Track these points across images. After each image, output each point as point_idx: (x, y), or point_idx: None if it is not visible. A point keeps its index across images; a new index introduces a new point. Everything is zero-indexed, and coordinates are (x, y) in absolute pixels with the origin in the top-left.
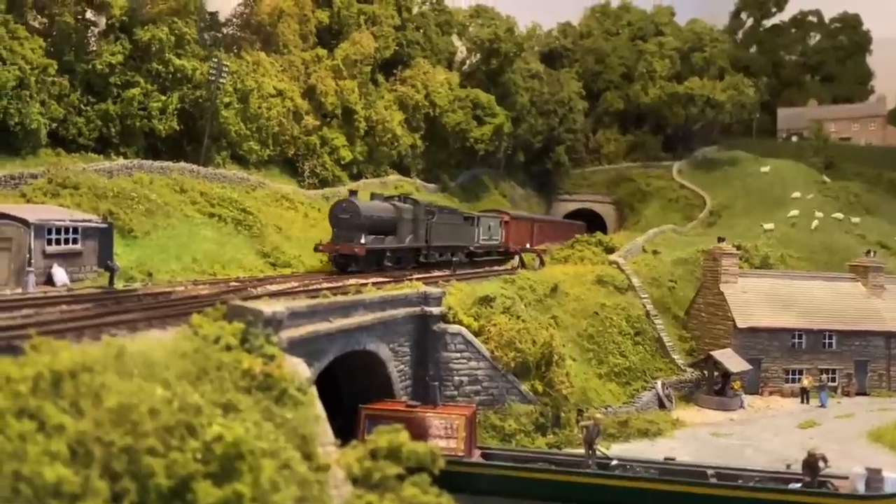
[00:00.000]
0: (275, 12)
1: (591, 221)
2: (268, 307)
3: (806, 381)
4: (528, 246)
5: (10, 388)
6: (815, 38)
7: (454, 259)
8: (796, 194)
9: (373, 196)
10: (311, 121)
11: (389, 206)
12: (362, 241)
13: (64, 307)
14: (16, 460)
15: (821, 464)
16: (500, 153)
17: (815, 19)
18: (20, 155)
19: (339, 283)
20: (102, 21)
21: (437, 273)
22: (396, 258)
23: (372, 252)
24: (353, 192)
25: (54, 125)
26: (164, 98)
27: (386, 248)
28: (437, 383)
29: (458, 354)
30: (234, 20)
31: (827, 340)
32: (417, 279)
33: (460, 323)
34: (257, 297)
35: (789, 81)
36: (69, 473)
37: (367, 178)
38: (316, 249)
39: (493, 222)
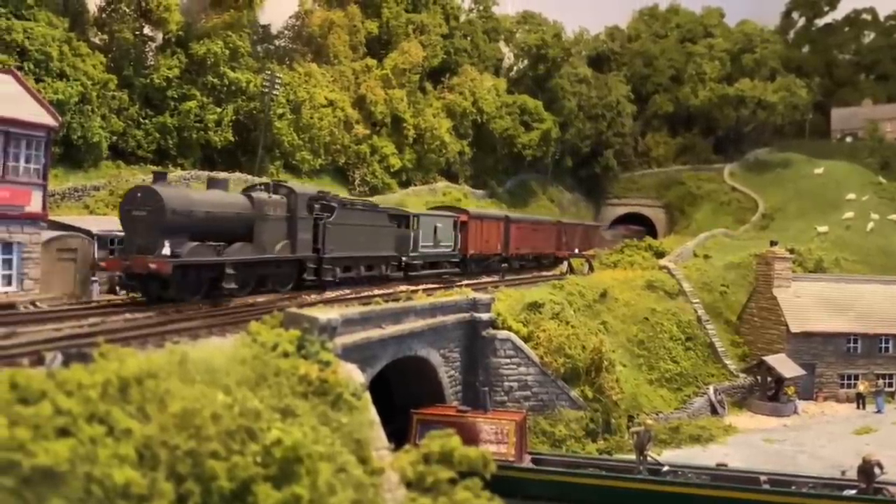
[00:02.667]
0: (325, 24)
1: (641, 225)
2: (323, 314)
3: (862, 387)
4: (500, 253)
5: (81, 394)
6: (869, 37)
7: (372, 273)
8: (851, 196)
9: (212, 184)
10: (361, 130)
11: (238, 199)
12: (166, 250)
13: (128, 315)
14: (87, 463)
15: (876, 470)
16: (548, 158)
17: (869, 17)
18: (83, 168)
19: (391, 290)
20: (159, 36)
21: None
22: (251, 278)
23: (193, 269)
24: (159, 176)
25: (114, 138)
26: (219, 110)
27: (225, 261)
28: (486, 388)
29: (508, 360)
30: (286, 32)
31: (883, 345)
32: (467, 285)
33: (509, 329)
34: (312, 304)
35: (843, 81)
36: (137, 476)
37: (415, 185)
38: (95, 266)
39: (442, 223)
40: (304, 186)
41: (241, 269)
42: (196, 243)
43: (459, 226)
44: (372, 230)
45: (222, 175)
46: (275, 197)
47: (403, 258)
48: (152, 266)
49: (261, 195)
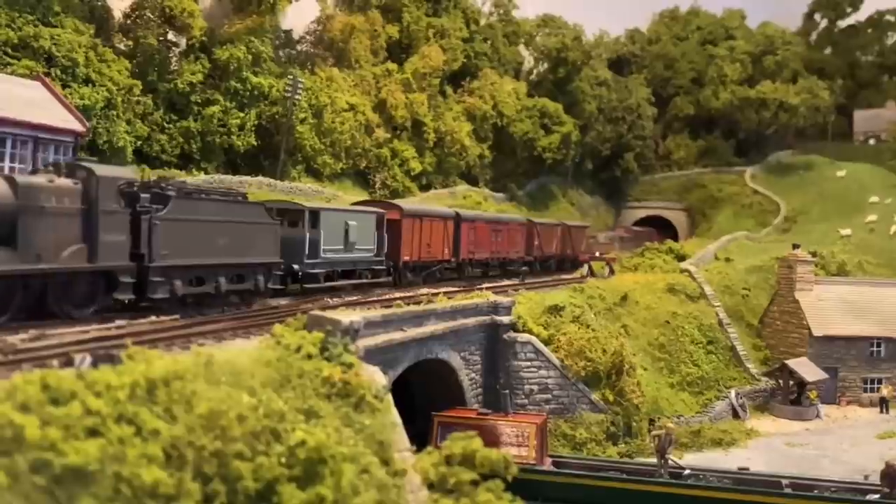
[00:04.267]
0: (346, 29)
1: (662, 228)
2: (345, 317)
3: (885, 391)
4: (449, 258)
5: (110, 395)
6: (892, 38)
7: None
8: (874, 199)
9: None
10: (381, 133)
11: None
12: None
13: (153, 318)
14: (116, 462)
15: None
16: (568, 161)
17: (892, 18)
18: None
19: (412, 293)
20: (183, 42)
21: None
22: (10, 298)
23: None
24: None
25: (139, 143)
26: (242, 115)
27: None
28: (507, 391)
29: (529, 363)
30: (308, 37)
31: None
32: (488, 288)
33: (530, 332)
34: (334, 307)
35: (866, 83)
36: (164, 475)
37: (436, 188)
38: None
39: (357, 221)
40: (116, 167)
41: None
42: None
43: (387, 225)
44: (239, 229)
45: (246, 178)
46: (62, 182)
47: (296, 266)
48: None
49: (34, 179)
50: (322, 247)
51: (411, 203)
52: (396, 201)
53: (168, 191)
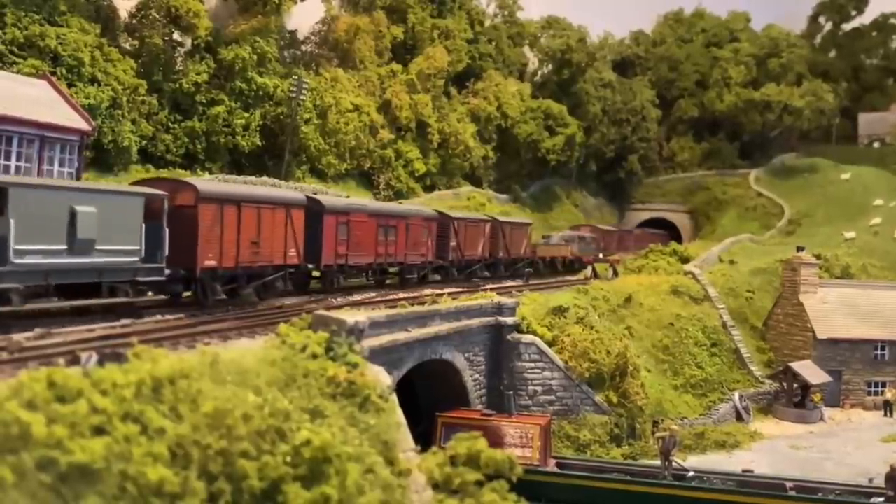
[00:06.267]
0: (351, 29)
1: (666, 230)
2: (350, 317)
3: (889, 394)
4: (297, 261)
5: (116, 393)
6: None
7: None
8: (879, 202)
9: None
10: (386, 134)
11: None
12: None
13: (159, 317)
14: (122, 461)
15: None
16: (572, 163)
17: None
18: (113, 171)
19: (416, 294)
20: (188, 42)
21: None
22: None
23: None
24: None
25: (144, 142)
26: (247, 115)
27: None
28: (511, 392)
29: (532, 364)
30: (313, 38)
31: None
32: (492, 289)
33: (534, 333)
34: (339, 307)
35: (871, 86)
36: (170, 474)
37: (440, 189)
38: None
39: (99, 206)
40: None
41: None
42: None
43: (170, 213)
44: None
45: (250, 178)
46: None
47: None
48: None
49: None
50: (13, 246)
51: (215, 183)
52: (198, 179)
53: None
